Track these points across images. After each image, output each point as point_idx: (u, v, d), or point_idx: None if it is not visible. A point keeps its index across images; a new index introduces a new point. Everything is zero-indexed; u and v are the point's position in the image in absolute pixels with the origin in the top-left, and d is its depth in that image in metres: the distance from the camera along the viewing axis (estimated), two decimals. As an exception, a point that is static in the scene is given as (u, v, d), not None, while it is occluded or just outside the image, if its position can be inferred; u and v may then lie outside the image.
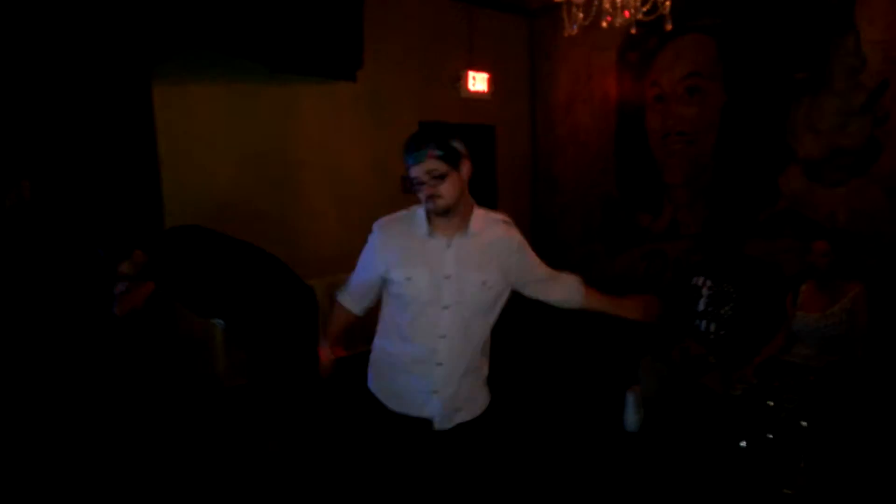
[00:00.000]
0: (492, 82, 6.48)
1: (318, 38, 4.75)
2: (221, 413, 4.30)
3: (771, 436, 3.00)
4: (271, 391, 3.41)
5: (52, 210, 3.71)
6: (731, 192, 5.45)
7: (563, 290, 2.38)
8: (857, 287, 3.42)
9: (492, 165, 6.82)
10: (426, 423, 2.21)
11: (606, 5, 3.92)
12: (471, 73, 6.30)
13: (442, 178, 2.01)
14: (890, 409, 3.26)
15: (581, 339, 5.65)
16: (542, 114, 7.16)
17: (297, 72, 4.92)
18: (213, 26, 4.13)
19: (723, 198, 5.53)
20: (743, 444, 3.08)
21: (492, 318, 2.26)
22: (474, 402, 2.27)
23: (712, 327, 3.86)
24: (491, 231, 2.18)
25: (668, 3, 3.76)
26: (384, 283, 2.24)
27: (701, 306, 3.91)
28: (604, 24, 4.00)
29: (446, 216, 2.09)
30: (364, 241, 2.31)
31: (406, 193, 5.68)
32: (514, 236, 2.23)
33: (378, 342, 2.34)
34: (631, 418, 3.69)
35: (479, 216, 2.18)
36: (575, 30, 4.10)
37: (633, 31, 3.99)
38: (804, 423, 2.93)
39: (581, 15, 4.04)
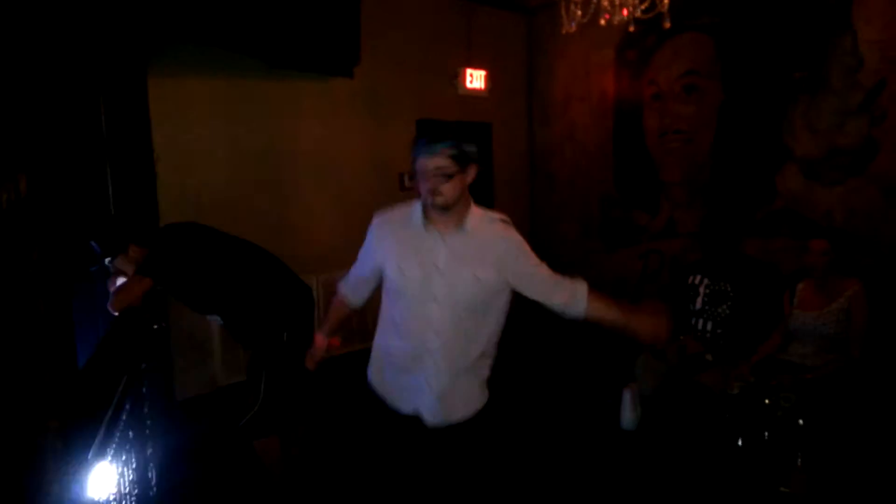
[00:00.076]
0: (489, 80, 6.47)
1: (315, 33, 4.74)
2: (218, 410, 4.29)
3: (768, 434, 3.00)
4: (268, 388, 3.40)
5: (49, 205, 3.70)
6: (728, 190, 5.45)
7: (566, 293, 2.21)
8: (855, 286, 3.42)
9: (489, 163, 6.81)
10: (419, 419, 2.22)
11: (605, 3, 3.91)
12: (468, 71, 6.28)
13: (448, 177, 2.03)
14: (887, 407, 3.26)
15: (578, 337, 5.66)
16: (539, 112, 7.16)
17: (295, 68, 4.90)
18: (210, 21, 4.11)
19: (720, 196, 5.54)
20: (740, 442, 3.08)
21: (491, 319, 2.23)
22: (469, 402, 2.26)
23: (709, 326, 3.86)
24: (487, 229, 2.18)
25: (666, 1, 3.75)
26: (381, 276, 2.26)
27: (698, 305, 3.91)
28: (602, 22, 4.00)
29: (443, 212, 2.10)
30: (361, 238, 2.32)
31: (404, 191, 5.72)
32: (512, 236, 2.21)
33: (377, 339, 2.37)
34: (628, 417, 3.69)
35: (477, 214, 2.19)
36: (573, 27, 4.10)
37: (632, 29, 3.99)
38: (801, 422, 2.93)
39: (579, 13, 4.04)
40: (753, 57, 5.14)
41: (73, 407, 2.18)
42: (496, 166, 6.88)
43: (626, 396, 3.70)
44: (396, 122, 5.92)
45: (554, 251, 6.96)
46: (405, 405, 2.25)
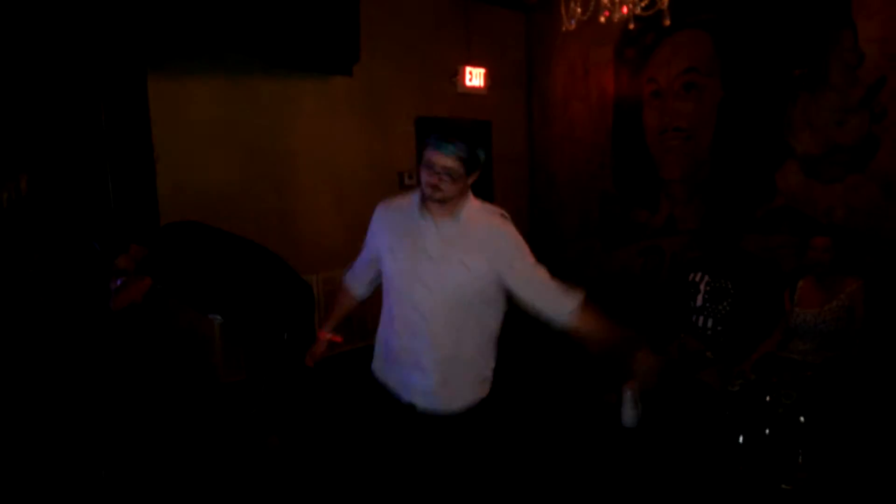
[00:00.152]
0: (489, 77, 6.46)
1: (314, 32, 4.73)
2: (219, 409, 4.29)
3: (769, 431, 3.00)
4: (269, 387, 3.40)
5: (49, 204, 3.69)
6: (728, 188, 5.44)
7: (558, 298, 2.18)
8: (856, 283, 3.42)
9: (488, 161, 6.79)
10: (415, 409, 2.26)
11: (605, 0, 3.91)
12: (468, 69, 6.27)
13: (452, 179, 2.05)
14: (887, 404, 3.27)
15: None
16: (538, 109, 7.15)
17: (294, 67, 4.90)
18: (209, 22, 4.11)
19: (720, 194, 5.53)
20: (741, 439, 3.08)
21: (485, 314, 2.24)
22: (460, 395, 2.26)
23: (710, 323, 3.86)
24: (482, 220, 2.20)
25: (666, -2, 3.76)
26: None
27: (699, 302, 3.91)
28: (601, 20, 4.00)
29: (441, 204, 2.13)
30: (361, 236, 2.36)
31: (403, 189, 5.71)
32: (508, 230, 2.20)
33: (377, 332, 2.41)
34: (628, 414, 3.68)
35: (474, 206, 2.21)
36: (573, 25, 4.10)
37: (631, 26, 3.99)
38: (802, 419, 2.94)
39: (579, 10, 4.04)
40: (753, 54, 5.13)
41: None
42: (495, 164, 6.87)
43: (627, 394, 3.69)
44: (396, 120, 5.93)
45: (553, 249, 6.97)
46: (400, 388, 2.30)
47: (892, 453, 3.01)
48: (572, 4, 4.04)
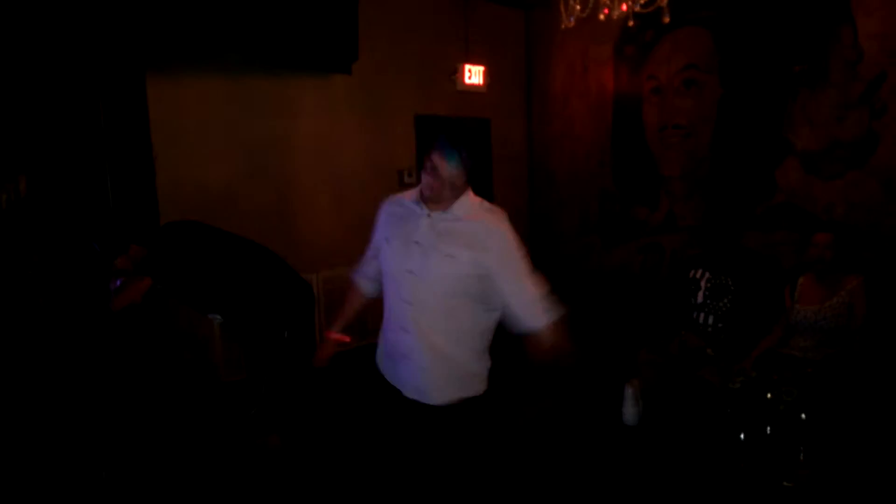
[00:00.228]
0: (488, 75, 6.45)
1: (313, 31, 4.72)
2: (219, 409, 4.29)
3: (770, 429, 2.99)
4: (269, 386, 3.40)
5: (49, 205, 3.69)
6: (728, 184, 5.44)
7: (533, 308, 2.22)
8: (856, 280, 3.42)
9: (487, 159, 6.80)
10: (404, 398, 2.35)
11: (604, -2, 3.90)
12: (467, 66, 6.26)
13: (454, 184, 2.17)
14: (888, 401, 3.26)
15: (579, 333, 5.65)
16: (538, 107, 7.14)
17: (292, 66, 4.89)
18: (207, 21, 4.10)
19: (720, 191, 5.53)
20: (742, 437, 3.07)
21: (474, 310, 2.26)
22: (446, 389, 2.30)
23: (710, 320, 3.86)
24: (475, 215, 2.25)
25: (665, -5, 3.74)
26: None
27: (699, 299, 3.91)
28: (601, 17, 3.99)
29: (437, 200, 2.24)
30: (361, 234, 2.40)
31: (402, 187, 5.70)
32: (501, 229, 2.24)
33: (381, 328, 2.49)
34: (629, 411, 3.68)
35: (472, 203, 2.28)
36: (572, 22, 4.09)
37: (631, 23, 3.98)
38: (803, 416, 2.93)
39: (578, 7, 4.02)
40: (752, 50, 5.13)
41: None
42: (495, 162, 6.87)
43: (628, 391, 3.69)
44: (395, 118, 5.92)
45: (553, 246, 6.98)
46: (391, 376, 2.40)
47: (893, 450, 3.01)
48: (571, 2, 4.03)
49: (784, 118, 4.98)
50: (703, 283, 3.90)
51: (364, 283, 2.59)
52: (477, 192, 2.30)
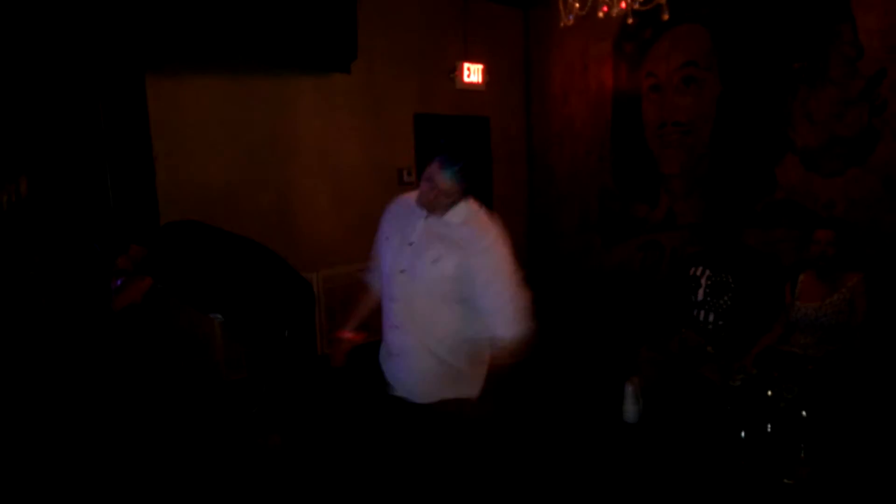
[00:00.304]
0: (487, 74, 6.45)
1: (311, 31, 4.72)
2: (221, 407, 4.30)
3: (770, 426, 2.99)
4: (270, 385, 3.40)
5: (49, 206, 3.69)
6: (728, 182, 5.44)
7: (506, 319, 2.28)
8: (856, 277, 3.42)
9: (487, 157, 6.80)
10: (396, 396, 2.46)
11: (603, -5, 3.90)
12: (466, 65, 6.26)
13: (448, 195, 2.25)
14: (889, 398, 3.27)
15: (579, 331, 5.66)
16: (537, 105, 7.14)
17: (291, 65, 4.89)
18: (206, 21, 4.09)
19: (720, 188, 5.53)
20: (742, 434, 3.08)
21: (463, 313, 2.32)
22: (434, 389, 2.37)
23: (711, 317, 3.86)
24: (470, 222, 2.32)
25: (664, -8, 3.74)
26: None
27: (700, 296, 3.91)
28: (600, 15, 3.99)
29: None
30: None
31: (402, 185, 5.71)
32: (491, 236, 2.30)
33: None
34: (630, 409, 3.68)
35: (469, 210, 2.34)
36: (571, 20, 4.08)
37: (630, 21, 3.97)
38: (804, 413, 2.93)
39: (577, 5, 4.02)
40: (752, 48, 5.12)
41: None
42: (494, 160, 6.87)
43: (629, 389, 3.69)
44: (395, 116, 5.92)
45: (553, 244, 6.98)
46: (385, 370, 2.50)
47: (893, 447, 3.01)
48: (570, 0, 4.03)
49: (784, 115, 4.97)
50: (703, 281, 3.90)
51: (373, 282, 2.63)
52: (477, 191, 2.34)
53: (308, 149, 5.34)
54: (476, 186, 2.32)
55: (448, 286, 2.27)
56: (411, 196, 2.41)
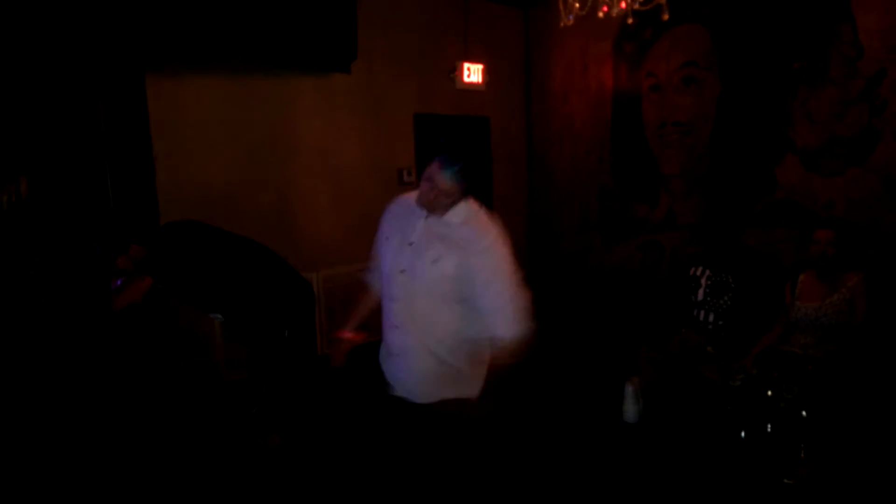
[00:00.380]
0: (487, 73, 6.45)
1: (311, 31, 4.72)
2: (221, 407, 4.30)
3: (770, 426, 3.00)
4: (270, 385, 3.40)
5: (49, 206, 3.69)
6: (727, 182, 5.44)
7: (505, 320, 2.28)
8: (856, 277, 3.42)
9: (487, 157, 6.80)
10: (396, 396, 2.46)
11: (603, -5, 3.90)
12: (466, 65, 6.26)
13: (447, 195, 2.25)
14: (889, 398, 3.27)
15: (579, 331, 5.66)
16: (537, 105, 7.14)
17: (291, 65, 4.89)
18: (206, 21, 4.09)
19: (720, 188, 5.53)
20: (742, 434, 3.08)
21: (463, 313, 2.32)
22: (433, 389, 2.38)
23: (711, 317, 3.86)
24: (470, 222, 2.32)
25: (665, -8, 3.74)
26: None
27: (700, 296, 3.91)
28: (600, 14, 3.99)
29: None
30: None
31: (402, 185, 5.71)
32: (491, 236, 2.30)
33: None
34: (630, 409, 3.68)
35: (470, 210, 2.34)
36: (571, 20, 4.08)
37: (630, 21, 3.97)
38: (804, 413, 2.93)
39: (577, 5, 4.02)
40: (752, 48, 5.12)
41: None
42: (494, 160, 6.87)
43: (629, 389, 3.69)
44: (395, 116, 5.92)
45: (553, 244, 6.98)
46: (385, 370, 2.51)
47: (893, 447, 3.01)
48: (570, 0, 4.03)
49: (784, 115, 4.97)
50: (703, 281, 3.91)
51: (373, 282, 2.63)
52: (477, 191, 2.34)
53: (308, 149, 5.34)
54: (476, 186, 2.32)
55: (448, 286, 2.27)
56: (411, 196, 2.41)
